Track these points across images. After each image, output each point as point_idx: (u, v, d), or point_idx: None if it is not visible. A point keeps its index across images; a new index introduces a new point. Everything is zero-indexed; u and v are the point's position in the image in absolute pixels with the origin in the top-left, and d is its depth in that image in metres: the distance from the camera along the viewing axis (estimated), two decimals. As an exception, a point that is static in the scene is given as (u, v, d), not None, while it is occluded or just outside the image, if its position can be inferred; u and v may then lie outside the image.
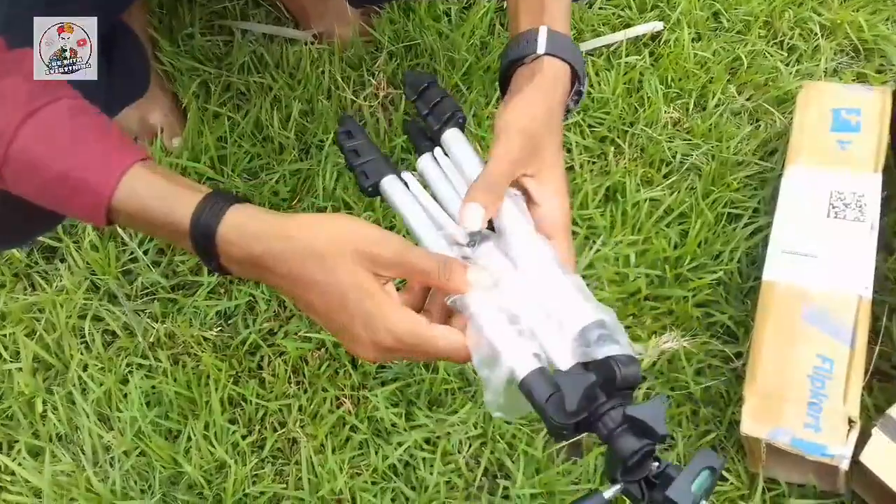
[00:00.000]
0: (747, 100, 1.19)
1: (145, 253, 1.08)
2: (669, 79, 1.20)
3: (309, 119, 1.16)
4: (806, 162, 1.03)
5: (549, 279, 0.60)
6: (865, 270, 0.93)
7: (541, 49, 0.68)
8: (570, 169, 1.12)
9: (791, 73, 1.21)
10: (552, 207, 0.65)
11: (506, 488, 0.94)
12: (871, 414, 0.93)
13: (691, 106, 1.18)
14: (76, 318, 1.05)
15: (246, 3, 1.25)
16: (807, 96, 1.08)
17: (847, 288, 0.93)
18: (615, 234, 1.07)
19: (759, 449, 0.88)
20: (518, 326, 0.57)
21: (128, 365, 1.02)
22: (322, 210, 1.09)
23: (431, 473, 0.94)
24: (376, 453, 0.96)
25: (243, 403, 1.00)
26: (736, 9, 1.26)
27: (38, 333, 1.04)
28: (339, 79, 1.18)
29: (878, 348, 0.96)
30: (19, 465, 0.97)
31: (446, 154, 0.69)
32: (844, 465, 0.85)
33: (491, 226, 0.64)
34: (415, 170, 0.70)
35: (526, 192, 0.65)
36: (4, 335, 1.05)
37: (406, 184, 0.67)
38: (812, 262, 0.95)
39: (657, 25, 1.23)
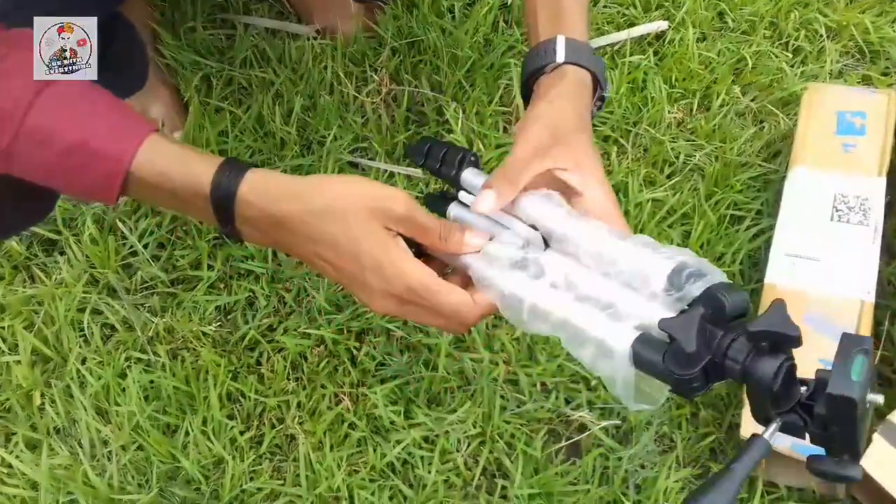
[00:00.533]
0: (752, 101, 1.19)
1: (145, 247, 1.08)
2: (673, 79, 1.19)
3: (311, 115, 1.16)
4: (810, 164, 1.02)
5: (612, 249, 0.60)
6: (868, 275, 0.93)
7: (560, 58, 0.69)
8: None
9: (796, 75, 1.20)
10: (597, 195, 0.65)
11: (504, 488, 0.93)
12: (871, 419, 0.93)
13: (695, 106, 1.18)
14: (75, 312, 1.04)
15: (249, -3, 1.25)
16: (811, 98, 1.08)
17: (849, 292, 0.92)
18: (617, 235, 1.06)
19: (759, 452, 0.87)
20: (608, 311, 0.57)
21: (126, 359, 1.02)
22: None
23: (430, 472, 0.93)
24: (374, 451, 0.95)
25: (242, 399, 1.00)
26: (741, 9, 1.25)
27: (36, 326, 1.04)
28: (342, 74, 1.17)
29: (879, 353, 0.96)
30: (17, 457, 0.97)
31: (470, 192, 0.68)
32: (844, 470, 0.84)
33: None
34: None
35: (567, 187, 0.65)
36: (3, 328, 1.05)
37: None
38: (815, 266, 0.95)
39: (662, 25, 1.23)
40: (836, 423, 0.49)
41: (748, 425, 0.88)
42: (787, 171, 1.04)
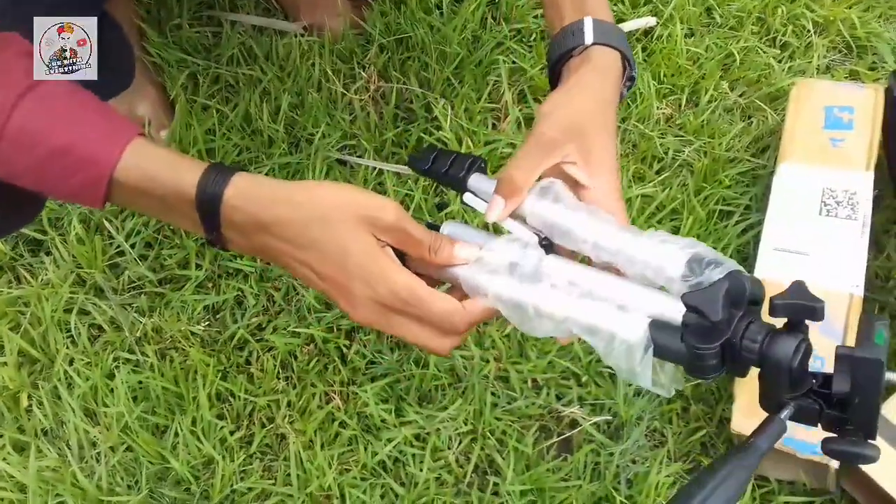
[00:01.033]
0: (740, 96, 1.19)
1: (132, 246, 1.07)
2: (662, 74, 1.19)
3: (299, 112, 1.15)
4: (798, 159, 1.02)
5: (625, 240, 0.60)
6: (857, 269, 0.93)
7: (588, 39, 0.68)
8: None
9: (784, 70, 1.20)
10: (602, 187, 0.65)
11: (496, 484, 0.93)
12: (860, 412, 0.93)
13: (684, 102, 1.18)
14: (62, 312, 1.04)
15: (235, -6, 1.24)
16: (799, 94, 1.08)
17: (838, 286, 0.93)
18: (607, 231, 1.06)
19: (750, 446, 0.88)
20: (616, 303, 0.57)
21: (114, 359, 1.01)
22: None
23: (421, 470, 0.93)
24: (365, 449, 0.95)
25: (231, 399, 0.99)
26: (729, 5, 1.26)
27: (22, 327, 1.03)
28: (330, 71, 1.17)
29: (861, 315, 0.96)
30: (4, 460, 0.96)
31: (477, 195, 0.68)
32: (835, 464, 0.85)
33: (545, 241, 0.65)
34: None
35: (574, 181, 0.65)
36: (-11, 329, 1.04)
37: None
38: (803, 260, 0.95)
39: (650, 21, 1.23)
40: (859, 392, 0.50)
41: (739, 420, 0.88)
42: (776, 166, 1.04)
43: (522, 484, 0.92)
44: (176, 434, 0.96)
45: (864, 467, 0.84)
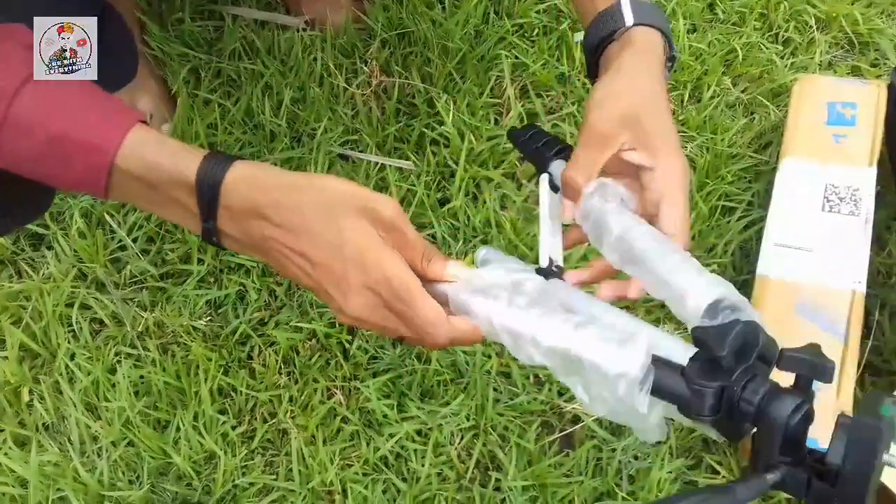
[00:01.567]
0: (742, 92, 1.19)
1: (134, 241, 1.07)
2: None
3: (300, 107, 1.15)
4: (801, 155, 1.02)
5: (662, 257, 0.58)
6: (859, 265, 0.93)
7: (629, 20, 0.66)
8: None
9: (786, 66, 1.20)
10: (665, 167, 0.63)
11: (497, 480, 0.93)
12: (862, 408, 0.93)
13: (686, 98, 1.18)
14: (63, 307, 1.03)
15: (237, -12, 1.24)
16: (802, 89, 1.08)
17: (840, 282, 0.93)
18: (609, 226, 1.06)
19: (750, 443, 0.88)
20: (614, 336, 0.55)
21: (116, 354, 1.01)
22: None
23: (423, 465, 0.93)
24: (367, 445, 0.95)
25: (233, 394, 0.99)
26: (732, 0, 1.25)
27: (24, 322, 1.03)
28: (332, 66, 1.17)
29: (870, 342, 0.96)
30: (5, 454, 0.96)
31: (555, 181, 0.68)
32: (836, 460, 0.85)
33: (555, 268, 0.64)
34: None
35: (636, 168, 0.64)
36: (-10, 323, 1.04)
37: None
38: (806, 256, 0.95)
39: (652, 16, 1.22)
40: (851, 462, 0.46)
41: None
42: (778, 162, 1.04)
43: (524, 479, 0.92)
44: (178, 429, 0.96)
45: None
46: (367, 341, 1.01)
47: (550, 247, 0.66)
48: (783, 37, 1.23)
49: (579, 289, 0.63)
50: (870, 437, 0.46)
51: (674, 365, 0.52)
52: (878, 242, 1.04)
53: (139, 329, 1.02)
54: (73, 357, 1.01)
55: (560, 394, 0.98)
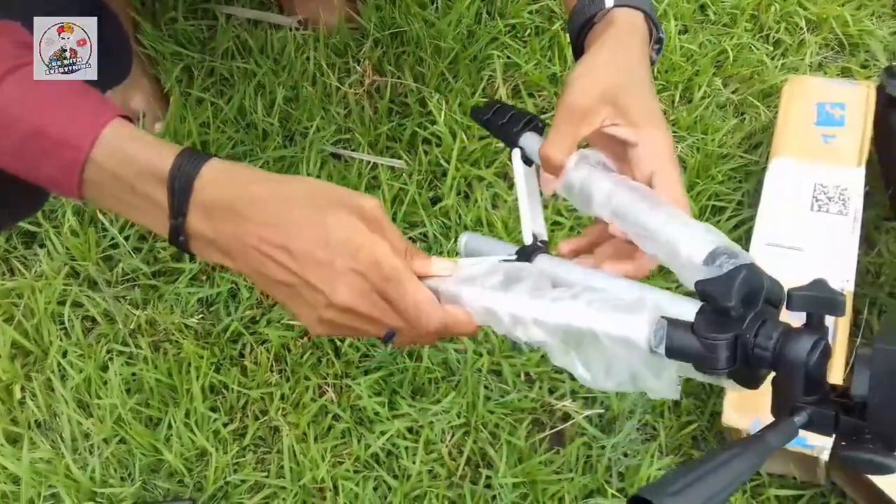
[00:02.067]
0: (733, 93, 1.19)
1: (126, 239, 1.07)
2: (655, 71, 1.20)
3: (293, 106, 1.15)
4: (790, 155, 1.03)
5: (649, 218, 0.58)
6: (848, 264, 0.94)
7: (609, 2, 0.66)
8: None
9: (776, 67, 1.21)
10: (650, 141, 0.62)
11: (488, 477, 0.94)
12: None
13: (677, 98, 1.18)
14: (55, 305, 1.04)
15: (230, -12, 1.24)
16: (792, 90, 1.08)
17: (829, 281, 0.93)
18: (600, 225, 1.07)
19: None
20: (615, 303, 0.54)
21: (108, 352, 1.01)
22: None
23: (414, 462, 0.94)
24: (359, 442, 0.95)
25: (225, 391, 0.99)
26: (723, 1, 1.26)
27: (16, 319, 1.03)
28: (325, 65, 1.17)
29: (858, 341, 0.97)
30: (-3, 451, 0.96)
31: (528, 156, 0.67)
32: (825, 457, 0.85)
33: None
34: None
35: (620, 142, 0.64)
36: (-18, 321, 1.04)
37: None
38: (795, 256, 0.96)
39: (644, 17, 1.23)
40: (880, 390, 0.45)
41: (730, 413, 0.89)
42: (768, 162, 1.05)
43: (515, 477, 0.92)
44: (169, 426, 0.96)
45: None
46: (358, 339, 1.01)
47: (532, 222, 0.65)
48: (774, 38, 1.24)
49: (572, 261, 0.63)
50: (893, 363, 0.45)
51: (683, 323, 0.51)
52: (868, 242, 1.05)
53: (131, 327, 1.03)
54: (65, 354, 1.01)
55: (551, 391, 0.98)
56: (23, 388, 1.00)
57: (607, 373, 0.54)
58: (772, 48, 1.23)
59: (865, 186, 0.99)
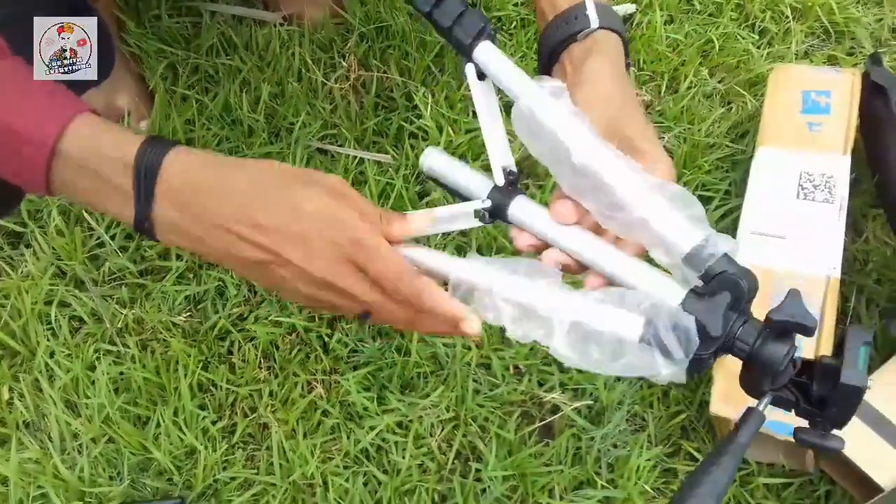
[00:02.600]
0: (719, 82, 1.19)
1: (112, 238, 1.06)
2: (642, 61, 1.19)
3: (278, 102, 1.15)
4: (776, 143, 1.03)
5: (636, 204, 0.58)
6: (834, 252, 0.94)
7: (594, 23, 0.66)
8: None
9: (762, 56, 1.21)
10: (656, 170, 0.61)
11: (478, 470, 0.94)
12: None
13: (663, 88, 1.18)
14: (42, 305, 1.03)
15: (214, -16, 1.24)
16: (778, 79, 1.08)
17: (816, 269, 0.93)
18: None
19: (729, 429, 0.88)
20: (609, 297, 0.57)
21: (95, 351, 1.01)
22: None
23: (404, 457, 0.94)
24: (348, 437, 0.95)
25: (213, 389, 0.99)
26: (708, -9, 1.26)
27: (3, 320, 1.03)
28: (310, 61, 1.17)
29: (846, 328, 0.97)
30: (-15, 453, 0.96)
31: (483, 71, 0.63)
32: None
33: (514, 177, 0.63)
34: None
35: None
36: (-32, 322, 1.03)
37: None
38: (781, 244, 0.96)
39: (629, 7, 1.23)
40: (839, 405, 0.53)
41: (718, 403, 0.89)
42: (754, 150, 1.04)
43: (504, 469, 0.92)
44: (158, 425, 0.96)
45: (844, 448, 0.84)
46: (346, 335, 1.01)
47: (498, 154, 0.63)
48: (759, 27, 1.24)
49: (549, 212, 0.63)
50: (856, 395, 0.52)
51: (671, 311, 0.54)
52: (854, 230, 1.05)
53: (118, 326, 1.02)
54: (52, 355, 1.01)
55: (539, 384, 0.98)
56: (10, 389, 1.00)
57: (611, 366, 0.57)
58: (758, 37, 1.23)
59: (851, 174, 0.99)
